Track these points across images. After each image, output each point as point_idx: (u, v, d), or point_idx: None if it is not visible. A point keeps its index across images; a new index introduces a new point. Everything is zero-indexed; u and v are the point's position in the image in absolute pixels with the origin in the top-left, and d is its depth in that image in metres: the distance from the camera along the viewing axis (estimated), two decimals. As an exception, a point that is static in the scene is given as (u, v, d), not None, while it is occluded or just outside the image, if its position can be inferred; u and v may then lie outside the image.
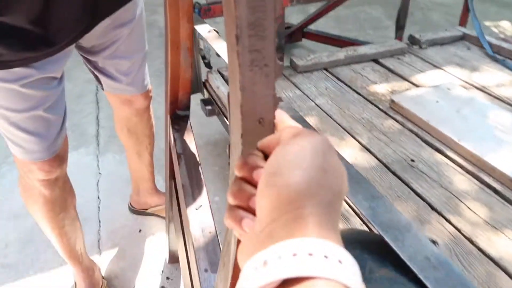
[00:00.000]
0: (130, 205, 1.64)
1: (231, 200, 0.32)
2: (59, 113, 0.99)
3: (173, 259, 1.44)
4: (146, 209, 1.61)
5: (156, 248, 1.52)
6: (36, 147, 0.97)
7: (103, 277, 1.38)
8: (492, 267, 0.90)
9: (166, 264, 1.46)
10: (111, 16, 0.98)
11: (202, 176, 0.84)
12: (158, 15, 3.22)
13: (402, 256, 0.56)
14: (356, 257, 0.66)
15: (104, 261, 1.48)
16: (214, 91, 1.65)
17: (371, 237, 0.67)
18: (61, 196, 1.10)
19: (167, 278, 1.43)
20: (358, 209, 0.66)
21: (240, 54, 0.32)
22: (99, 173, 1.85)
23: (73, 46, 0.98)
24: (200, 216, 0.75)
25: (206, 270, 0.66)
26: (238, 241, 0.47)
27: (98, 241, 1.55)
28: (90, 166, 1.89)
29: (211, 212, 0.76)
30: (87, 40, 1.01)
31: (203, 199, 0.79)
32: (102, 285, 1.34)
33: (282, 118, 0.36)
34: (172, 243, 1.37)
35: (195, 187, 0.82)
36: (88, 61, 1.13)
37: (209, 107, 1.67)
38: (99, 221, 1.62)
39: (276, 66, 0.35)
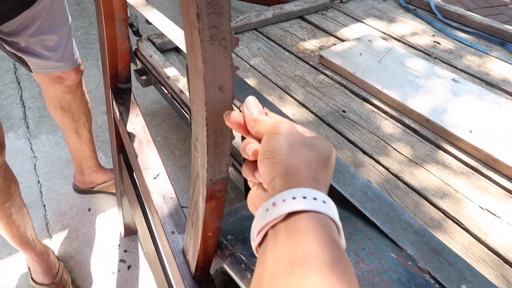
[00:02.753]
0: (74, 185, 1.61)
1: (246, 156, 0.42)
2: None
3: (129, 232, 1.47)
4: (93, 188, 1.59)
5: (108, 224, 1.53)
6: None
7: (58, 259, 1.37)
8: (416, 196, 1.05)
9: (122, 237, 1.48)
10: None
11: (154, 146, 0.87)
12: (70, -19, 2.98)
13: (344, 194, 0.66)
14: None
15: (56, 245, 1.46)
16: (147, 60, 1.63)
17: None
18: (5, 184, 1.06)
19: (125, 251, 1.45)
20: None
21: (201, 30, 0.36)
22: (35, 156, 1.76)
23: None
24: (160, 184, 0.79)
25: (173, 232, 0.71)
26: (207, 200, 0.53)
27: (47, 225, 1.51)
28: (23, 150, 1.80)
29: (169, 179, 0.80)
30: (8, 24, 0.95)
31: (159, 168, 0.82)
32: (58, 267, 1.34)
33: (251, 108, 0.43)
34: (127, 217, 1.39)
35: (149, 158, 0.84)
36: (8, 43, 1.06)
37: (144, 77, 1.65)
38: (44, 206, 1.58)
39: (232, 39, 0.39)
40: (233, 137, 0.47)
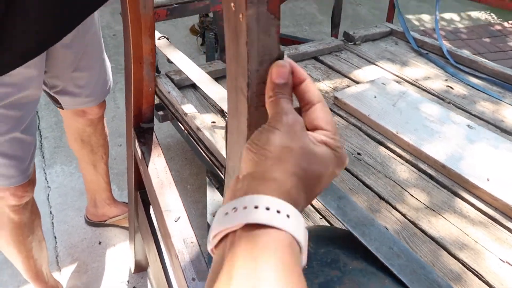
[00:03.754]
0: (86, 218, 1.61)
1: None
2: (33, 133, 0.97)
3: (138, 268, 1.45)
4: (105, 221, 1.58)
5: (118, 259, 1.51)
6: (13, 172, 0.94)
7: None
8: (434, 246, 1.04)
9: (131, 273, 1.47)
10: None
11: (176, 189, 0.87)
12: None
13: (370, 248, 0.65)
14: (329, 252, 0.74)
15: (65, 278, 1.44)
16: (165, 96, 1.66)
17: (338, 232, 0.75)
18: (30, 219, 1.07)
19: (134, 287, 1.43)
20: (327, 208, 0.74)
21: (249, 98, 0.37)
22: (48, 186, 1.77)
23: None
24: (180, 228, 0.79)
25: (193, 279, 0.71)
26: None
27: (57, 257, 1.50)
28: (37, 180, 1.78)
29: (190, 223, 0.80)
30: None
31: (180, 210, 0.83)
32: None
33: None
34: (138, 253, 1.38)
35: (170, 201, 0.85)
36: (44, 83, 1.09)
37: (161, 113, 1.68)
38: (55, 237, 1.57)
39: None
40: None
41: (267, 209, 0.31)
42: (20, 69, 0.85)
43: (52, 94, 1.12)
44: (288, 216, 0.31)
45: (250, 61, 0.35)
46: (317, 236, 0.74)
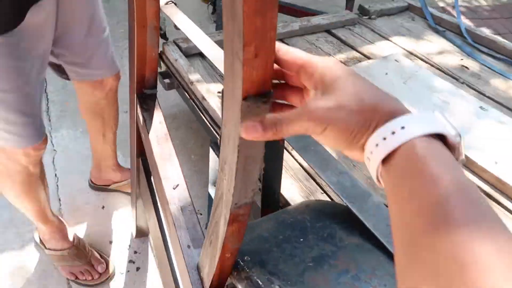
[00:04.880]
0: (90, 181, 1.63)
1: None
2: (41, 88, 1.00)
3: (140, 233, 1.47)
4: (109, 185, 1.60)
5: (120, 224, 1.53)
6: (31, 131, 0.98)
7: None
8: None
9: (133, 238, 1.49)
10: None
11: (175, 156, 0.87)
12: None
13: (367, 225, 0.64)
14: (326, 227, 0.73)
15: (68, 239, 1.47)
16: (172, 64, 1.63)
17: (337, 207, 0.74)
18: (41, 169, 1.15)
19: (135, 252, 1.45)
20: (327, 183, 0.72)
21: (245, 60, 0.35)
22: (54, 150, 1.79)
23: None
24: (178, 195, 0.78)
25: (189, 246, 0.71)
26: (229, 223, 0.52)
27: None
28: (43, 143, 1.82)
29: (188, 191, 0.80)
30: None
31: (179, 178, 0.82)
32: (73, 235, 1.38)
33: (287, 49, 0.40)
34: (140, 219, 1.39)
35: (169, 168, 0.84)
36: (52, 54, 1.09)
37: (167, 80, 1.66)
38: (59, 199, 1.59)
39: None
40: (263, 164, 0.46)
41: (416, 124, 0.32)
42: (30, 18, 0.86)
43: (57, 63, 1.12)
44: (427, 121, 0.32)
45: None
46: (316, 210, 0.73)
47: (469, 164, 1.20)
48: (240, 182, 0.46)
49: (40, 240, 1.38)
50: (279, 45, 0.38)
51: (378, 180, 0.34)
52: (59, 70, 1.18)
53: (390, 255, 0.61)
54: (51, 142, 1.81)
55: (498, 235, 0.25)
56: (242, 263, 0.61)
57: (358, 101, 0.33)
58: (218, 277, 0.61)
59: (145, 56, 0.93)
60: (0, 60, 0.86)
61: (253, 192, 0.48)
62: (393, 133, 0.31)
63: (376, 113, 0.33)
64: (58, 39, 1.05)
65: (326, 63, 0.37)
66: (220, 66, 1.21)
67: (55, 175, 1.68)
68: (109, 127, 1.41)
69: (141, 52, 0.92)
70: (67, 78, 1.20)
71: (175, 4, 1.42)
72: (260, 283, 0.58)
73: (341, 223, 0.67)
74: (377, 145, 0.32)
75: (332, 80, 0.35)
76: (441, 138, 0.32)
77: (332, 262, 0.60)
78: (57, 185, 1.64)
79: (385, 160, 0.32)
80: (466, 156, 1.20)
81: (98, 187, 1.62)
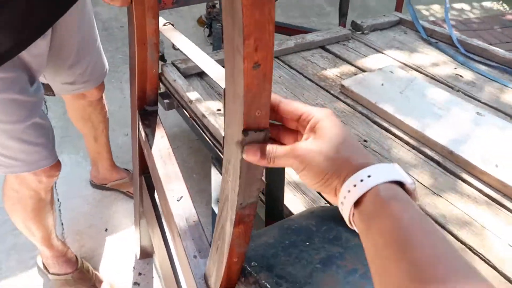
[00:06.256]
0: (91, 181, 1.74)
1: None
2: (47, 117, 1.04)
3: (144, 254, 1.46)
4: (106, 184, 1.70)
5: (124, 246, 1.52)
6: (44, 153, 1.01)
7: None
8: (441, 230, 1.02)
9: (137, 260, 1.47)
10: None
11: (178, 169, 0.87)
12: (100, 7, 3.10)
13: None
14: (332, 230, 0.73)
15: (71, 263, 1.45)
16: (171, 84, 1.66)
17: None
18: (52, 195, 1.18)
19: (139, 273, 1.44)
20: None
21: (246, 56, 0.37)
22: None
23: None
24: (183, 207, 0.79)
25: (195, 257, 0.71)
26: (235, 224, 0.52)
27: (63, 243, 1.51)
28: (44, 168, 1.83)
29: (192, 202, 0.80)
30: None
31: (183, 190, 0.83)
32: (77, 258, 1.39)
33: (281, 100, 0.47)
34: (144, 239, 1.38)
35: (173, 180, 0.85)
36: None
37: (167, 101, 1.68)
38: (62, 224, 1.59)
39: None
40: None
41: (380, 173, 0.38)
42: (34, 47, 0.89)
43: (46, 82, 1.16)
44: (386, 172, 0.39)
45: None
46: (320, 215, 0.73)
47: (470, 169, 1.20)
48: (245, 181, 0.47)
49: (44, 265, 1.37)
50: (281, 98, 0.46)
51: (350, 223, 0.41)
52: (45, 88, 1.21)
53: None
54: (53, 167, 1.82)
55: (446, 249, 0.33)
56: (249, 269, 0.61)
57: (335, 151, 0.40)
58: (226, 284, 0.61)
59: (146, 73, 0.95)
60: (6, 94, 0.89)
61: (257, 191, 0.49)
62: (362, 180, 0.38)
63: (348, 163, 0.40)
64: (48, 63, 1.08)
65: (320, 114, 0.43)
66: (220, 83, 1.23)
67: (57, 199, 1.68)
68: (99, 130, 1.51)
69: (142, 69, 0.94)
70: (53, 95, 1.26)
71: (173, 25, 1.46)
72: (269, 287, 0.57)
73: (347, 226, 0.67)
74: (349, 191, 0.39)
75: (320, 129, 0.42)
76: (400, 184, 0.38)
77: (339, 262, 0.59)
78: (59, 210, 1.64)
79: (356, 204, 0.38)
80: (467, 161, 1.21)
81: (97, 185, 1.72)
